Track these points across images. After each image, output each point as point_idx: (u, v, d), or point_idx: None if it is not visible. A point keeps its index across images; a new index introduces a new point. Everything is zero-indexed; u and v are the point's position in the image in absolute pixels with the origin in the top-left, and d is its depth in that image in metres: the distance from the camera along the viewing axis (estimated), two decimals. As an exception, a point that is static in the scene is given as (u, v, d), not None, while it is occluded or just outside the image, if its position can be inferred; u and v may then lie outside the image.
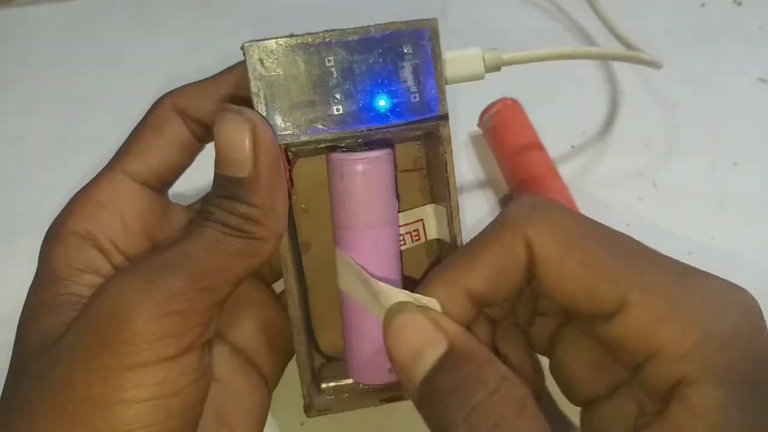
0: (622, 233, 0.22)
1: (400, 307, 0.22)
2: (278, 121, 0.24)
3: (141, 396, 0.19)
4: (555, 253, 0.21)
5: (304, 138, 0.24)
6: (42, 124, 0.43)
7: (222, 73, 0.25)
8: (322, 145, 0.25)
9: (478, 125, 0.39)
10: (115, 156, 0.25)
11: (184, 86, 0.25)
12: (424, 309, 0.22)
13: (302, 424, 0.31)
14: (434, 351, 0.21)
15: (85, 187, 0.24)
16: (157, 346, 0.19)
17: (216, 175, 0.22)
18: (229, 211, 0.22)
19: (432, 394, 0.20)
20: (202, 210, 0.22)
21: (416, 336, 0.21)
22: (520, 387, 0.20)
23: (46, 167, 0.41)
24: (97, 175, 0.24)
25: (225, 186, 0.22)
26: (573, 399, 0.25)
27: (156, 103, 0.25)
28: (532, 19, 0.46)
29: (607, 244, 0.22)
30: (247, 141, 0.22)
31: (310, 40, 0.24)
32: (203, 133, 0.25)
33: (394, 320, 0.21)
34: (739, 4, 0.45)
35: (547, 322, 0.25)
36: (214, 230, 0.22)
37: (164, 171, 0.25)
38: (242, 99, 0.24)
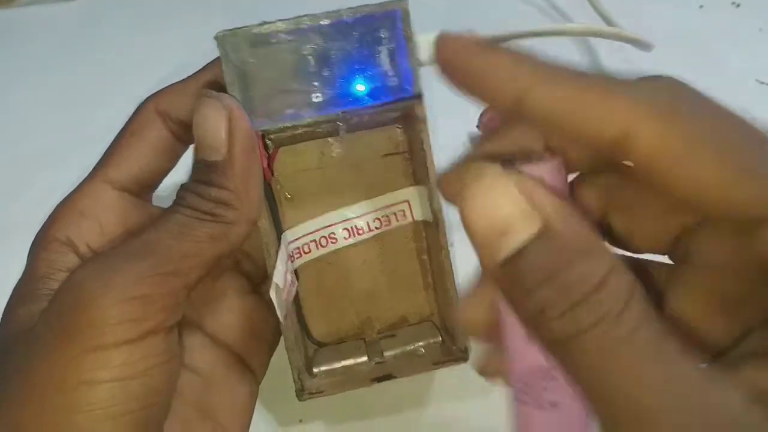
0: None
1: (484, 169, 0.17)
2: (253, 109, 0.24)
3: (102, 377, 0.20)
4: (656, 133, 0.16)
5: (280, 124, 0.24)
6: (42, 124, 0.43)
7: (202, 69, 0.26)
8: (300, 131, 0.25)
9: (478, 126, 0.39)
10: (98, 163, 0.25)
11: (165, 87, 0.26)
12: (514, 175, 0.17)
13: (300, 420, 0.31)
14: (525, 229, 0.16)
15: (68, 195, 0.25)
16: (117, 330, 0.20)
17: (194, 159, 0.23)
18: (201, 195, 0.22)
19: (519, 277, 0.17)
20: (177, 195, 0.23)
21: (503, 207, 0.17)
22: (626, 278, 0.16)
23: (46, 167, 0.41)
24: (80, 183, 0.25)
25: (200, 170, 0.22)
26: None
27: (139, 107, 0.25)
28: (525, 6, 0.46)
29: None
30: (223, 126, 0.22)
31: (282, 27, 0.24)
32: (185, 133, 0.26)
33: (479, 184, 0.17)
34: (738, 5, 0.45)
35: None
36: (184, 215, 0.22)
37: (145, 177, 0.25)
38: (222, 87, 0.24)
